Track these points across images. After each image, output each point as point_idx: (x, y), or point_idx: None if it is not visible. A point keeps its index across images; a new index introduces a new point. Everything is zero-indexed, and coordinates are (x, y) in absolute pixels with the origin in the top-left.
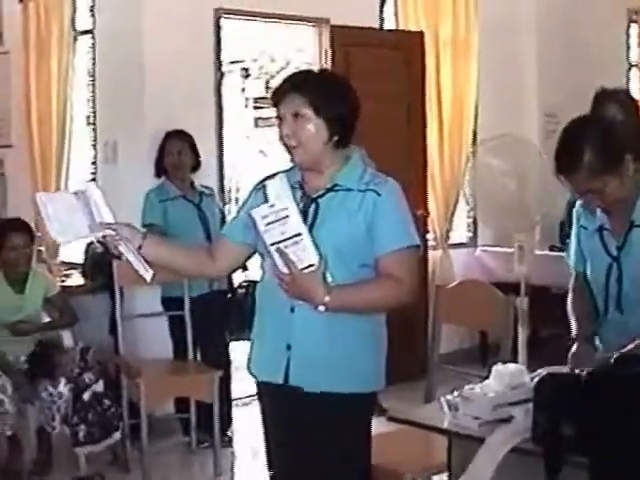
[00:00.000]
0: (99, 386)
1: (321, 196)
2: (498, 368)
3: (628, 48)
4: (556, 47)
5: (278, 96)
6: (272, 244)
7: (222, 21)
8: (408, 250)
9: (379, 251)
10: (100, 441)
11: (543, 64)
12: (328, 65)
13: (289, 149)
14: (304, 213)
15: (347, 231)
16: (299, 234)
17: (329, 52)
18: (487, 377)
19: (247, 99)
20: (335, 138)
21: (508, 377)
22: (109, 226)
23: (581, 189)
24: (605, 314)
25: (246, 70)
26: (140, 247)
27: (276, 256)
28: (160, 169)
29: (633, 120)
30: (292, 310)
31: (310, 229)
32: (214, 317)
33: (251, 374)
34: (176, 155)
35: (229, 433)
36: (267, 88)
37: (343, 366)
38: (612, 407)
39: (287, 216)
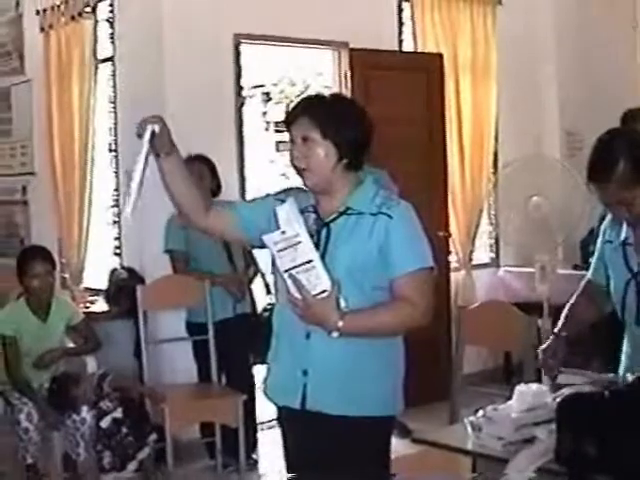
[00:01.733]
0: (118, 413)
1: (333, 220)
2: (521, 388)
3: None
4: (575, 65)
5: (289, 119)
6: (285, 270)
7: (242, 46)
8: (422, 272)
9: (393, 274)
10: (123, 469)
11: (562, 83)
12: (348, 88)
13: (299, 172)
14: (316, 237)
15: (359, 255)
16: (310, 260)
17: (348, 75)
18: (510, 397)
19: (268, 123)
20: (344, 161)
21: (531, 397)
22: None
23: (611, 199)
24: (625, 328)
25: (267, 94)
26: (160, 155)
27: (289, 282)
28: None
29: None
30: (308, 336)
31: (323, 253)
32: (238, 341)
33: (268, 398)
34: (197, 179)
35: (254, 456)
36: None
37: (360, 390)
38: (634, 425)
39: (299, 242)
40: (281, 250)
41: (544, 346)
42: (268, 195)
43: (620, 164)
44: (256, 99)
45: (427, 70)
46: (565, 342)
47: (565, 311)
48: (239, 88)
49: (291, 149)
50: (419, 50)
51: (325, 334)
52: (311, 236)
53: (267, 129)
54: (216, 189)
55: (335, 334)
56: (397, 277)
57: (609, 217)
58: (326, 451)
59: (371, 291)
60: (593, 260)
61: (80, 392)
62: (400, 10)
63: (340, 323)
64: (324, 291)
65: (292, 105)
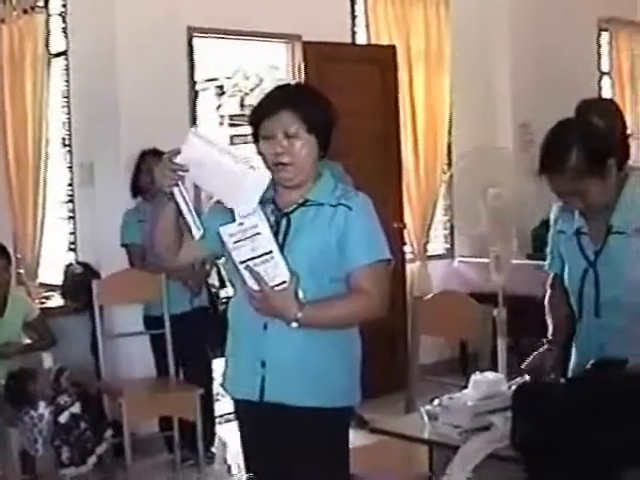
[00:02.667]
0: (76, 408)
1: (293, 211)
2: (476, 377)
3: (599, 57)
4: (528, 57)
5: (266, 113)
6: (241, 262)
7: (195, 40)
8: (379, 264)
9: (350, 265)
10: (82, 464)
11: (516, 75)
12: (302, 81)
13: (277, 166)
14: (276, 228)
15: (319, 246)
16: (270, 252)
17: (302, 68)
18: (466, 387)
19: (222, 117)
20: (321, 153)
21: (486, 385)
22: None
23: (564, 190)
24: (580, 318)
25: (221, 88)
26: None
27: (246, 274)
28: (136, 189)
29: (615, 127)
30: (265, 327)
31: (282, 244)
32: (196, 334)
33: (226, 391)
34: (153, 174)
35: (213, 450)
36: (242, 105)
37: (318, 381)
38: (590, 413)
39: (258, 233)
40: (238, 241)
41: (536, 352)
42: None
43: (573, 154)
44: (210, 93)
45: (380, 62)
46: (559, 348)
47: (547, 316)
48: (193, 82)
49: (267, 143)
50: (372, 42)
51: (283, 325)
52: (270, 227)
53: (221, 123)
54: None
55: (294, 324)
56: (354, 269)
57: (558, 207)
58: (285, 443)
59: (329, 283)
60: (547, 251)
61: (37, 388)
62: (353, 2)
63: (299, 314)
64: (283, 282)
65: (266, 97)
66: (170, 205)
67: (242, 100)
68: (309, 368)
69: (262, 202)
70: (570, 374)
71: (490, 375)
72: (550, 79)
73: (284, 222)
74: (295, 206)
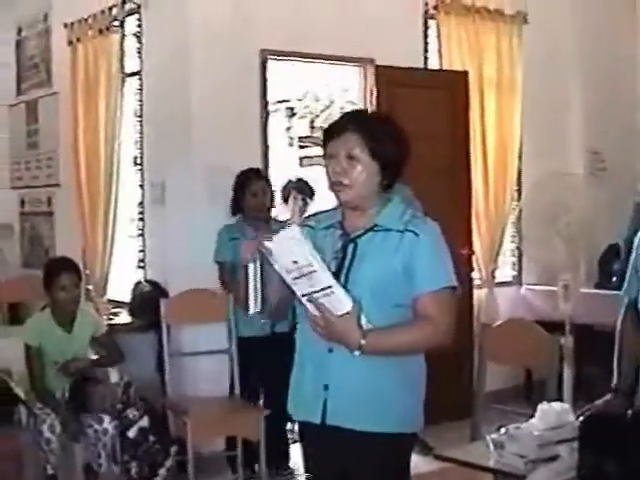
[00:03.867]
0: (144, 422)
1: (360, 236)
2: (543, 407)
3: None
4: (599, 85)
5: (334, 133)
6: (303, 295)
7: (268, 62)
8: (445, 291)
9: (416, 292)
10: (153, 476)
11: (587, 102)
12: (373, 105)
13: (336, 186)
14: (342, 252)
15: (384, 271)
16: (329, 286)
17: (374, 92)
18: (532, 416)
19: (292, 138)
20: (385, 182)
21: (554, 416)
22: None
23: None
24: None
25: (291, 109)
26: None
27: (309, 305)
28: (236, 208)
29: None
30: (330, 351)
31: (348, 269)
32: (276, 358)
33: (290, 413)
34: (260, 196)
35: (291, 466)
36: (312, 127)
37: (380, 406)
38: None
39: (313, 271)
40: (296, 278)
41: (604, 399)
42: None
43: None
44: (280, 114)
45: (452, 88)
46: (625, 395)
47: (616, 354)
48: (265, 102)
49: (330, 163)
50: (444, 68)
51: (347, 350)
52: (336, 252)
53: (291, 144)
54: (270, 204)
55: (357, 352)
56: (420, 295)
57: None
58: (346, 466)
59: (392, 308)
60: (627, 274)
61: (101, 392)
62: (426, 27)
63: (362, 341)
64: (347, 313)
65: (337, 118)
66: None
67: (312, 122)
68: (371, 393)
69: (330, 226)
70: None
71: (557, 405)
72: (622, 108)
73: (351, 247)
74: (363, 231)
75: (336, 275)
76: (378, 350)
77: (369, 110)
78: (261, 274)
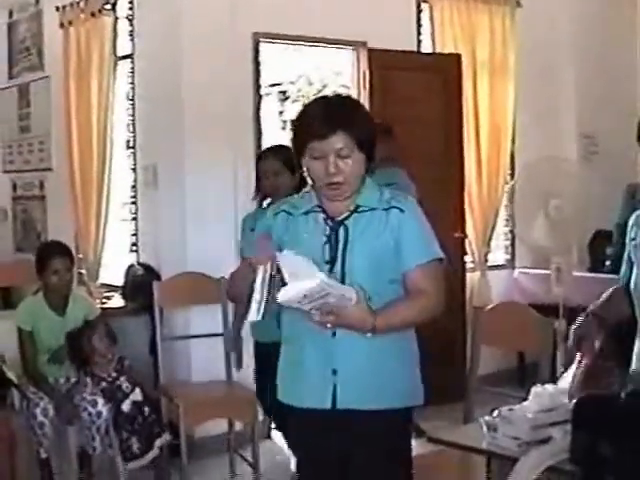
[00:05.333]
0: (137, 395)
1: (346, 218)
2: (537, 389)
3: None
4: (594, 68)
5: (316, 135)
6: (310, 310)
7: (260, 45)
8: (433, 263)
9: (407, 266)
10: (148, 451)
11: (581, 86)
12: (366, 88)
13: (332, 186)
14: (334, 236)
15: (377, 250)
16: (327, 293)
17: (367, 75)
18: (526, 398)
19: (285, 122)
20: (369, 166)
21: (547, 398)
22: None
23: None
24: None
25: (284, 93)
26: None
27: (316, 313)
28: (257, 190)
29: None
30: (334, 335)
31: (343, 252)
32: None
33: (282, 403)
34: (272, 177)
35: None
36: None
37: (389, 383)
38: None
39: (327, 294)
40: (304, 304)
41: (576, 325)
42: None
43: None
44: (273, 97)
45: (445, 71)
46: (600, 325)
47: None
48: (257, 86)
49: (316, 164)
50: (437, 51)
51: (352, 332)
52: (327, 237)
53: (284, 128)
54: (298, 184)
55: (369, 334)
56: (410, 270)
57: (636, 215)
58: (352, 449)
59: (388, 285)
60: (624, 259)
61: (97, 342)
62: (419, 11)
63: (375, 324)
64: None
65: (313, 119)
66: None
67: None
68: (380, 371)
69: (309, 211)
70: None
71: (550, 387)
72: (616, 91)
73: (342, 230)
74: (348, 213)
75: (332, 261)
76: (387, 329)
77: (335, 96)
78: (270, 281)
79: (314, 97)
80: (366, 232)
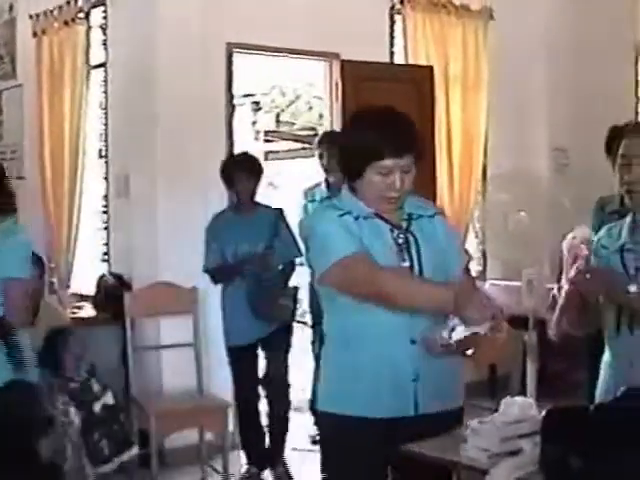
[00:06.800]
0: (109, 398)
1: (408, 226)
2: (507, 401)
3: (637, 82)
4: (565, 82)
5: (390, 153)
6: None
7: (234, 55)
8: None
9: (457, 269)
10: (118, 455)
11: (552, 99)
12: (338, 99)
13: (391, 200)
14: (406, 244)
15: (439, 255)
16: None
17: (340, 86)
18: (496, 410)
19: (258, 132)
20: None
21: (517, 410)
22: None
23: (638, 152)
24: (616, 334)
25: (257, 104)
26: None
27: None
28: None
29: None
30: (413, 342)
31: (418, 259)
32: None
33: (348, 416)
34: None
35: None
36: (277, 122)
37: (458, 382)
38: (619, 439)
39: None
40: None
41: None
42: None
43: None
44: (246, 108)
45: (417, 82)
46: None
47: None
48: (230, 96)
49: (382, 178)
50: (410, 62)
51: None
52: (398, 245)
53: (257, 139)
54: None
55: None
56: (460, 272)
57: (606, 228)
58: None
59: None
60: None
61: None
62: (392, 22)
63: None
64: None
65: (393, 137)
66: None
67: (278, 116)
68: (453, 372)
69: (365, 217)
70: (598, 398)
71: (520, 399)
72: (586, 104)
73: (411, 238)
74: (406, 222)
75: (410, 268)
76: None
77: (396, 111)
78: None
79: (375, 109)
80: (428, 239)
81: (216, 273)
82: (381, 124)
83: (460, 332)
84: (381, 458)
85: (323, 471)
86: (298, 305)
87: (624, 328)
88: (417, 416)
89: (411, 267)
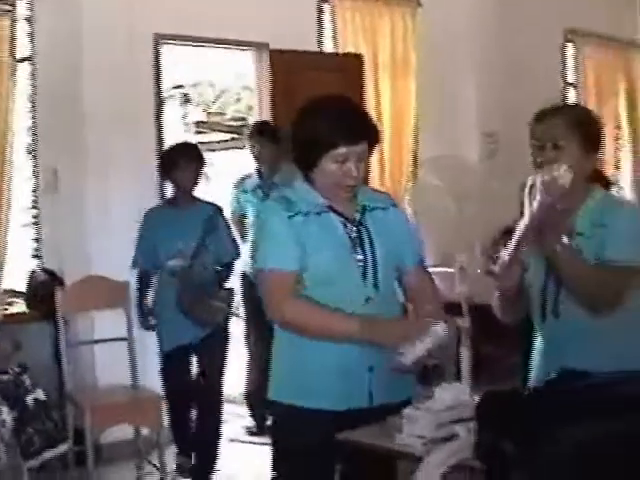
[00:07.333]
0: (40, 394)
1: (362, 219)
2: (441, 388)
3: (564, 67)
4: (494, 67)
5: (347, 140)
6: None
7: (161, 47)
8: (422, 263)
9: (412, 264)
10: (50, 449)
11: (481, 84)
12: (268, 90)
13: (343, 187)
14: (359, 239)
15: (391, 249)
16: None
17: (269, 76)
18: (430, 397)
19: (188, 124)
20: None
21: (451, 396)
22: None
23: (550, 137)
24: (542, 320)
25: (186, 95)
26: None
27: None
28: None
29: None
30: None
31: (372, 254)
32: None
33: (299, 407)
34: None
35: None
36: (207, 113)
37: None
38: (553, 422)
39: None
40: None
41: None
42: (283, 228)
43: (575, 109)
44: (175, 100)
45: (347, 71)
46: None
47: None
48: (159, 89)
49: (339, 166)
50: (339, 51)
51: None
52: (353, 239)
53: (187, 131)
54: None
55: None
56: (410, 269)
57: None
58: None
59: (393, 281)
60: None
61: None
62: (320, 11)
63: None
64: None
65: (348, 124)
66: None
67: (207, 107)
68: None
69: (320, 212)
70: (531, 383)
71: (454, 385)
72: (515, 89)
73: (364, 231)
74: (360, 214)
75: (364, 263)
76: None
77: (349, 99)
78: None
79: (326, 98)
80: (381, 232)
81: (143, 275)
82: (334, 112)
83: (411, 356)
84: (331, 449)
85: (274, 460)
86: (233, 309)
87: (549, 314)
88: (371, 407)
89: (364, 260)
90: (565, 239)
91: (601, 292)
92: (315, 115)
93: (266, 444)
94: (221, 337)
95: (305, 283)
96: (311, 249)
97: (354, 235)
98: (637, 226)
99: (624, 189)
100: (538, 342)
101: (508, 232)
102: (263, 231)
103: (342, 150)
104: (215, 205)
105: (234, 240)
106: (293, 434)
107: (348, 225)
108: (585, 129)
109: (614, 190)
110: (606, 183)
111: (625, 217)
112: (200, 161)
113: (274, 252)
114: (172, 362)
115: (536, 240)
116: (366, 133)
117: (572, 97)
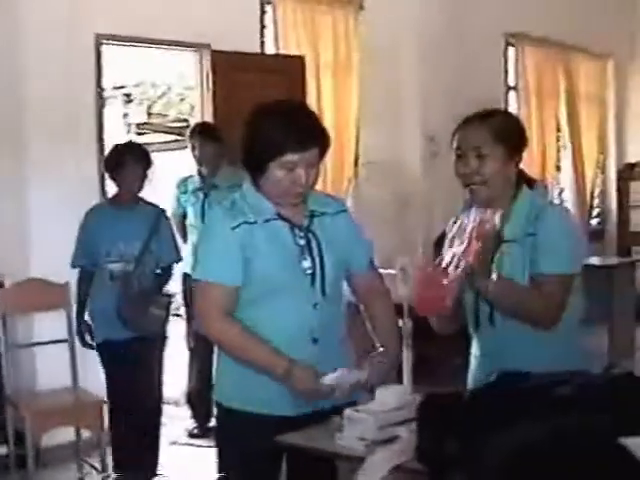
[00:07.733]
0: None
1: (309, 225)
2: (382, 389)
3: (506, 71)
4: (437, 70)
5: (294, 147)
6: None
7: (103, 47)
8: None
9: (361, 267)
10: None
11: (424, 87)
12: (210, 90)
13: (291, 194)
14: (307, 245)
15: (340, 255)
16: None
17: (210, 77)
18: (372, 399)
19: (129, 125)
20: None
21: (392, 397)
22: None
23: (473, 144)
24: (477, 328)
25: (128, 96)
26: None
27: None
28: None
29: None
30: (315, 341)
31: (320, 261)
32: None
33: (244, 411)
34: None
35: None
36: (149, 114)
37: None
38: (493, 423)
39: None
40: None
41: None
42: (226, 240)
43: (499, 116)
44: (117, 100)
45: (289, 72)
46: None
47: None
48: (100, 89)
49: (287, 174)
50: (281, 52)
51: (331, 336)
52: (299, 246)
53: (128, 131)
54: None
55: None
56: (362, 272)
57: (453, 220)
58: None
59: (340, 286)
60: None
61: None
62: (262, 12)
63: None
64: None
65: (296, 131)
66: None
67: (149, 108)
68: (349, 364)
69: (269, 220)
70: (470, 386)
71: (395, 387)
72: (458, 92)
73: (312, 238)
74: (308, 220)
75: (312, 270)
76: None
77: (302, 106)
78: None
79: (276, 103)
80: (330, 239)
81: (83, 275)
82: (283, 117)
83: (342, 381)
84: (276, 451)
85: (218, 461)
86: (170, 317)
87: (484, 321)
88: (314, 412)
89: (312, 267)
90: (494, 275)
91: (543, 311)
92: (264, 120)
93: (209, 447)
94: (157, 348)
95: (251, 292)
96: (257, 258)
97: (302, 242)
98: (565, 230)
99: (565, 190)
100: (474, 349)
101: (442, 238)
102: (206, 241)
103: (290, 157)
104: (158, 207)
105: (176, 244)
106: (238, 437)
107: (296, 232)
108: (508, 135)
109: (540, 189)
110: (529, 181)
111: (554, 223)
112: (147, 162)
113: (214, 265)
114: (112, 365)
115: (468, 283)
116: (316, 139)
117: (514, 100)
